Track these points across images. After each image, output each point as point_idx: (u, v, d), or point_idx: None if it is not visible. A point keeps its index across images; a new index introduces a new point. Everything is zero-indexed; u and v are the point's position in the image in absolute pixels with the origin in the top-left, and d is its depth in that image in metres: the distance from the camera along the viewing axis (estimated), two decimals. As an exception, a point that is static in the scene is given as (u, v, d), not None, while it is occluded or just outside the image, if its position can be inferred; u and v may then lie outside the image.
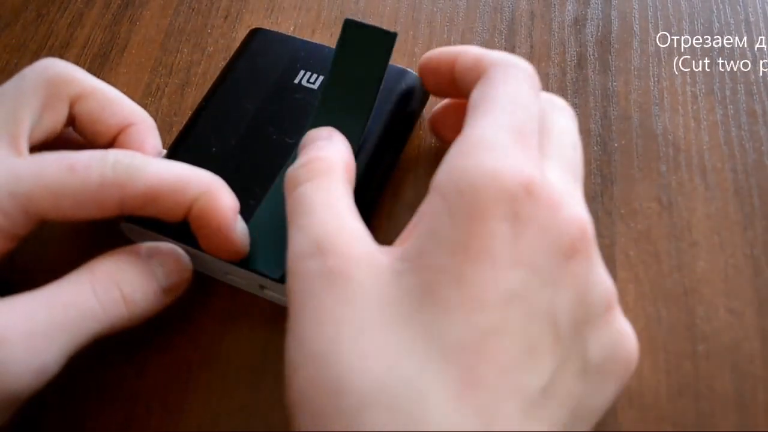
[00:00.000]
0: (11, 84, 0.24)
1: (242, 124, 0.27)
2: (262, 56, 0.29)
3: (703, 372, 0.25)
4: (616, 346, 0.19)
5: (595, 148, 0.30)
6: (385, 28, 0.26)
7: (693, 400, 0.24)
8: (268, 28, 0.31)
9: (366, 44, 0.26)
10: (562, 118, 0.22)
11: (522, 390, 0.17)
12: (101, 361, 0.25)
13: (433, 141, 0.30)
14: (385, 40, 0.25)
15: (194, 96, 0.33)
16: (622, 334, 0.20)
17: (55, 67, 0.25)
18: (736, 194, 0.29)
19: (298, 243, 0.20)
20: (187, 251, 0.25)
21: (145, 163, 0.22)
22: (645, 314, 0.26)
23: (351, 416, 0.16)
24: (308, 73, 0.28)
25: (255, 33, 0.31)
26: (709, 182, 0.29)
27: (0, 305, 0.21)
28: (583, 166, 0.22)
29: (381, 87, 0.26)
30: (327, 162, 0.22)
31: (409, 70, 0.29)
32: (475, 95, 0.21)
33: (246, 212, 0.25)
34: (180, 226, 0.24)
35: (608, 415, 0.24)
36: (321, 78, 0.28)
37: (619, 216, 0.28)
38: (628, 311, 0.26)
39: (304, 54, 0.29)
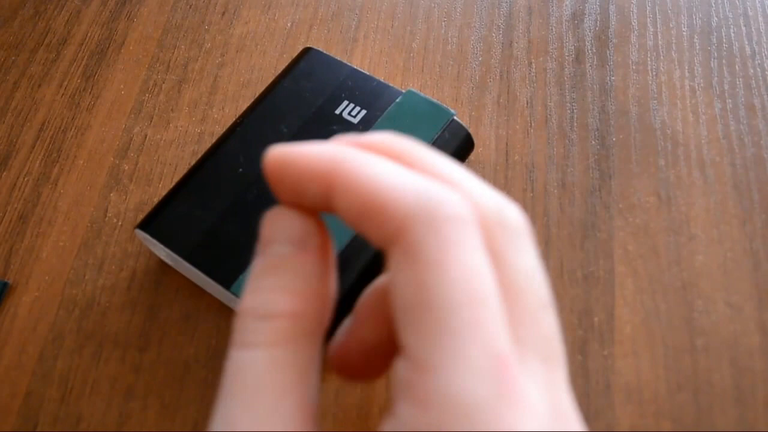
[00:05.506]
0: None
1: None
2: (309, 79, 0.29)
3: (702, 366, 0.25)
4: None
5: (593, 142, 0.30)
6: (445, 106, 0.26)
7: (692, 395, 0.24)
8: (314, 45, 0.31)
9: (422, 116, 0.26)
10: (522, 255, 0.15)
11: None
12: (98, 357, 0.25)
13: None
14: (443, 115, 0.25)
15: (191, 92, 0.33)
16: None
17: None
18: (735, 188, 0.29)
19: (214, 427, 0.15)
20: (190, 270, 0.25)
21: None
22: (644, 308, 0.26)
23: None
24: (351, 105, 0.28)
25: (306, 52, 0.30)
26: (708, 176, 0.29)
27: None
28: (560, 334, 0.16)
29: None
30: (293, 323, 0.15)
31: (444, 107, 0.26)
32: (408, 294, 0.13)
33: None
34: (189, 240, 0.24)
35: (606, 410, 0.24)
36: (363, 112, 0.27)
37: (618, 210, 0.28)
38: (626, 305, 0.26)
39: (351, 83, 0.28)
